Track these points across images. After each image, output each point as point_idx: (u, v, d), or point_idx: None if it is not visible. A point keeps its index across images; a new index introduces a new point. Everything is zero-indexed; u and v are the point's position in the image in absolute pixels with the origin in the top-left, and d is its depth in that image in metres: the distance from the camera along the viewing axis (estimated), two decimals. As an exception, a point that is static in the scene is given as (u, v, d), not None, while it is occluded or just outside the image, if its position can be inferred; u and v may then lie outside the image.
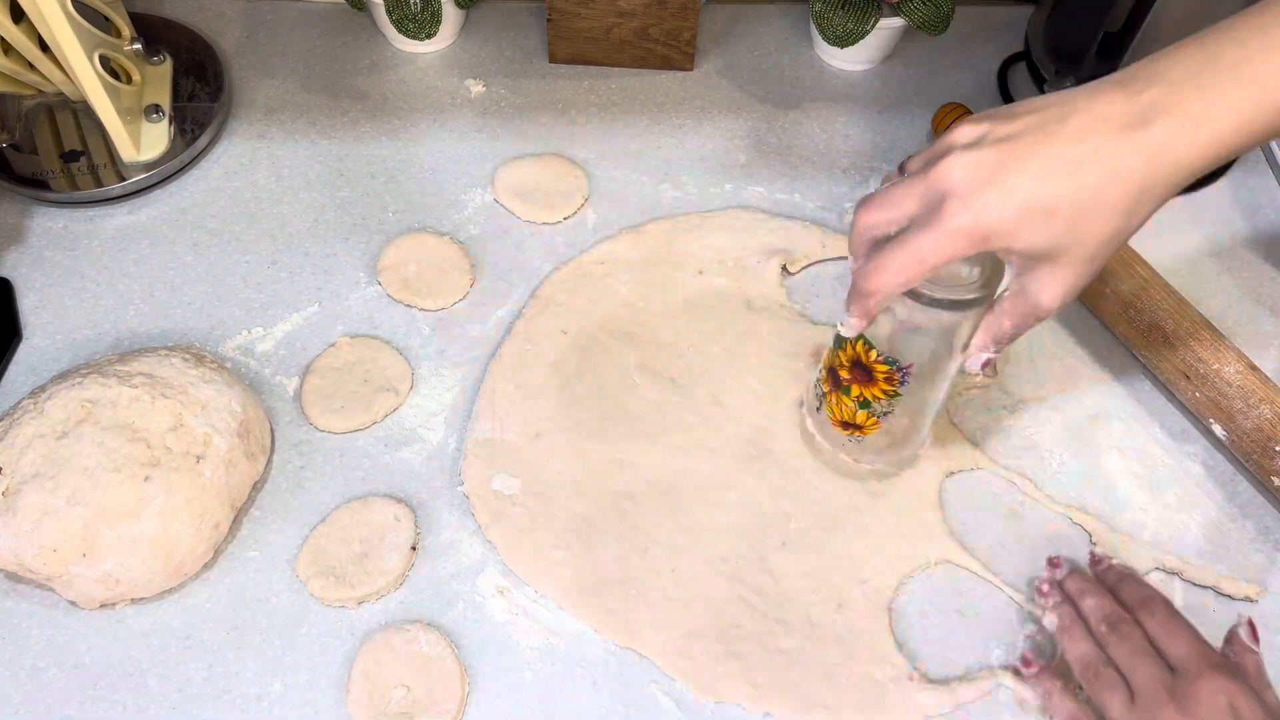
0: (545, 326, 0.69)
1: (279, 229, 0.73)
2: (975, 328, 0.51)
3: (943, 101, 0.80)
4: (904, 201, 0.46)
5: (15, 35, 0.67)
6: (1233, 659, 0.51)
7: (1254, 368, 0.64)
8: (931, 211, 0.45)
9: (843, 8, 0.79)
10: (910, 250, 0.45)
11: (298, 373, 0.67)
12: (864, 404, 0.56)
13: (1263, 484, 0.64)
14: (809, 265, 0.73)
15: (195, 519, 0.57)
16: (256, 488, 0.62)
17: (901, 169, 0.49)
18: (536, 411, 0.65)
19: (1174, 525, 0.63)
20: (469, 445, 0.64)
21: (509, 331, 0.69)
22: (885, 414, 0.57)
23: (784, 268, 0.73)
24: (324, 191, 0.75)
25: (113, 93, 0.70)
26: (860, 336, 0.53)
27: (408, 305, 0.70)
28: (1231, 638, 0.53)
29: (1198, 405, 0.65)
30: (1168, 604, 0.53)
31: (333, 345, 0.67)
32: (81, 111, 0.75)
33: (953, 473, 0.64)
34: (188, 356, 0.63)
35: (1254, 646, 0.52)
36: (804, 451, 0.65)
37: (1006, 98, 0.83)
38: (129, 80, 0.74)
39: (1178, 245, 0.75)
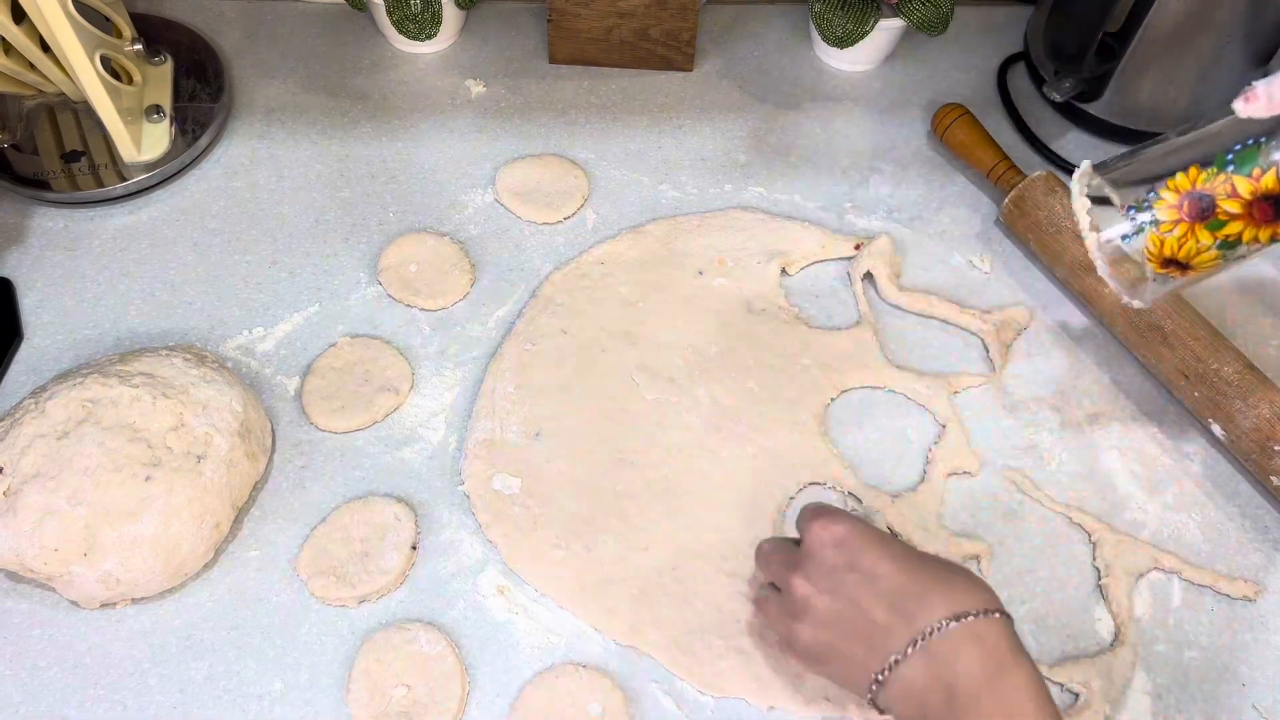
0: (545, 326, 0.69)
1: (279, 229, 0.73)
2: None
3: (943, 102, 0.80)
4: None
5: (16, 35, 0.67)
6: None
7: (1252, 367, 0.64)
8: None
9: (842, 8, 0.79)
10: None
11: (298, 372, 0.67)
12: (1229, 244, 0.46)
13: (1262, 483, 0.64)
14: (808, 266, 0.74)
15: (196, 519, 0.57)
16: (257, 487, 0.62)
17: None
18: (536, 411, 0.65)
19: (1173, 524, 0.63)
20: (469, 445, 0.64)
21: (509, 331, 0.69)
22: (1239, 258, 0.47)
23: (783, 269, 0.73)
24: (324, 191, 0.76)
25: (114, 93, 0.70)
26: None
27: (408, 305, 0.70)
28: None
29: (1197, 405, 0.65)
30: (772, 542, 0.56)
31: (333, 345, 0.68)
32: (82, 112, 0.75)
33: (952, 473, 0.65)
34: (188, 356, 0.63)
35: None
36: (803, 448, 0.65)
37: (1006, 98, 0.83)
38: (130, 80, 0.74)
39: (1177, 245, 0.75)
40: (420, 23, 0.79)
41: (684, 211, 0.76)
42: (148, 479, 0.56)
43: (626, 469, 0.63)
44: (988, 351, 0.70)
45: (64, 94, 0.75)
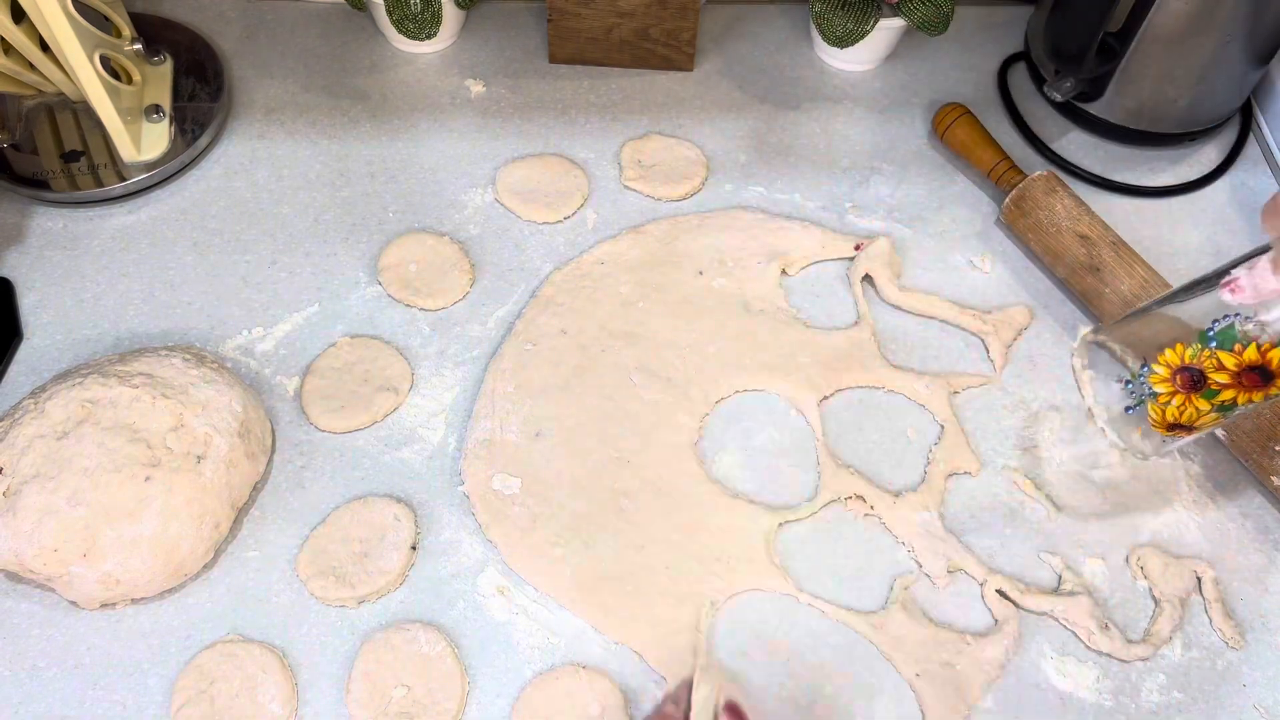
0: (545, 326, 0.69)
1: (279, 229, 0.73)
2: None
3: (943, 102, 0.80)
4: None
5: (15, 35, 0.67)
6: None
7: (1254, 368, 0.64)
8: None
9: (843, 8, 0.79)
10: None
11: (298, 373, 0.67)
12: (1226, 408, 0.51)
13: (1262, 484, 0.64)
14: (808, 266, 0.73)
15: (196, 519, 0.57)
16: (257, 488, 0.62)
17: None
18: (536, 411, 0.65)
19: (1174, 525, 0.63)
20: (469, 445, 0.64)
21: (509, 331, 0.69)
22: (1239, 415, 0.52)
23: (783, 269, 0.73)
24: (324, 191, 0.75)
25: (113, 93, 0.70)
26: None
27: (408, 305, 0.70)
28: None
29: (1197, 405, 0.65)
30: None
31: (333, 345, 0.68)
32: (82, 111, 0.75)
33: (952, 473, 0.65)
34: (188, 356, 0.63)
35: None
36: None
37: (1006, 98, 0.83)
38: (129, 80, 0.74)
39: (1178, 245, 0.75)
40: (420, 22, 0.79)
41: (684, 211, 0.76)
42: (147, 479, 0.56)
43: (624, 468, 0.63)
44: (988, 351, 0.70)
45: (63, 94, 0.75)
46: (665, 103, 0.82)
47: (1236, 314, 0.49)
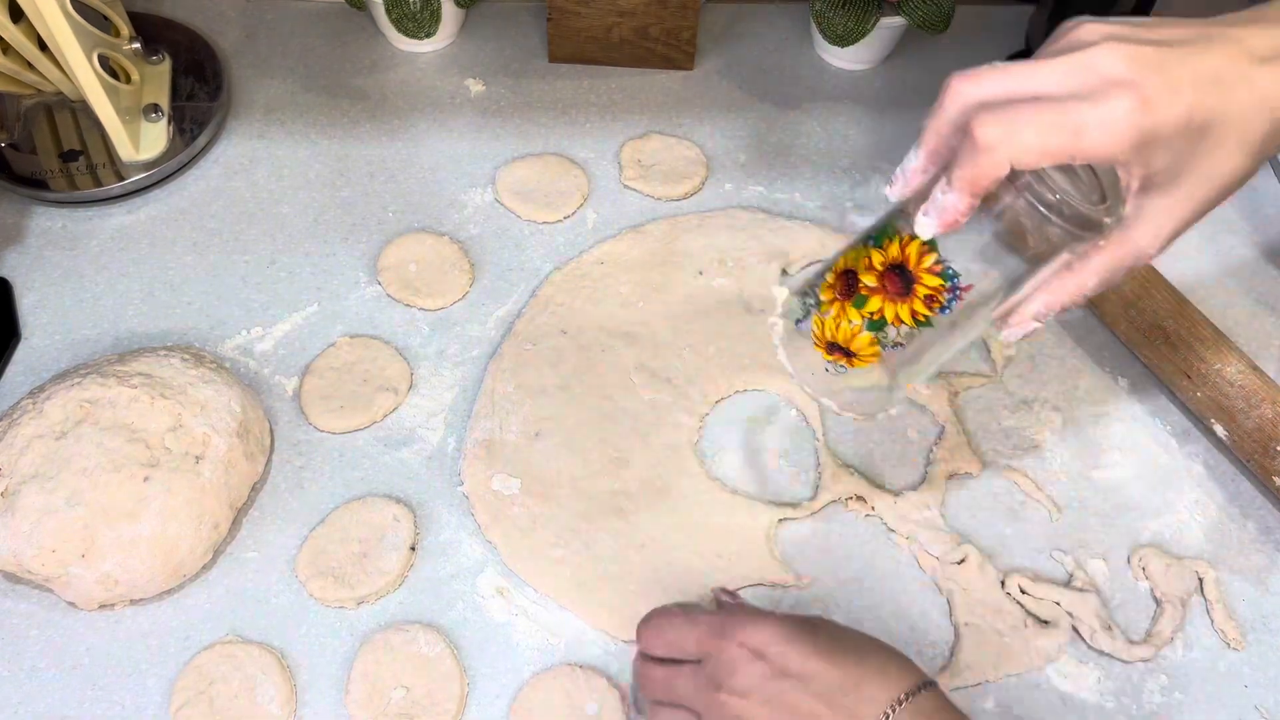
0: (545, 326, 0.69)
1: (278, 229, 0.73)
2: (1028, 284, 0.44)
3: (943, 101, 0.80)
4: (1039, 75, 0.40)
5: (14, 35, 0.67)
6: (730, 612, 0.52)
7: (1255, 367, 0.64)
8: (1087, 94, 0.38)
9: (843, 7, 0.79)
10: (1063, 113, 0.38)
11: (297, 373, 0.67)
12: (876, 324, 0.45)
13: (1264, 484, 0.64)
14: (808, 266, 0.73)
15: (194, 519, 0.57)
16: (256, 488, 0.62)
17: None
18: (536, 412, 0.65)
19: (1175, 525, 0.63)
20: (468, 445, 0.64)
21: (509, 331, 0.69)
22: (894, 345, 0.46)
23: (783, 269, 0.72)
24: (324, 191, 0.75)
25: (112, 92, 0.70)
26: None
27: (407, 305, 0.70)
28: (718, 601, 0.57)
29: (1199, 405, 0.65)
30: (668, 616, 0.52)
31: (332, 345, 0.67)
32: (80, 111, 0.75)
33: (953, 474, 0.64)
34: (187, 357, 0.63)
35: (729, 598, 0.57)
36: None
37: (1007, 97, 0.82)
38: (128, 80, 0.74)
39: (1178, 245, 0.75)
40: (419, 21, 0.79)
41: (684, 211, 0.75)
42: (146, 479, 0.56)
43: (623, 467, 0.63)
44: (988, 351, 0.70)
45: (62, 93, 0.74)
46: (665, 102, 0.82)
47: (895, 212, 0.46)
